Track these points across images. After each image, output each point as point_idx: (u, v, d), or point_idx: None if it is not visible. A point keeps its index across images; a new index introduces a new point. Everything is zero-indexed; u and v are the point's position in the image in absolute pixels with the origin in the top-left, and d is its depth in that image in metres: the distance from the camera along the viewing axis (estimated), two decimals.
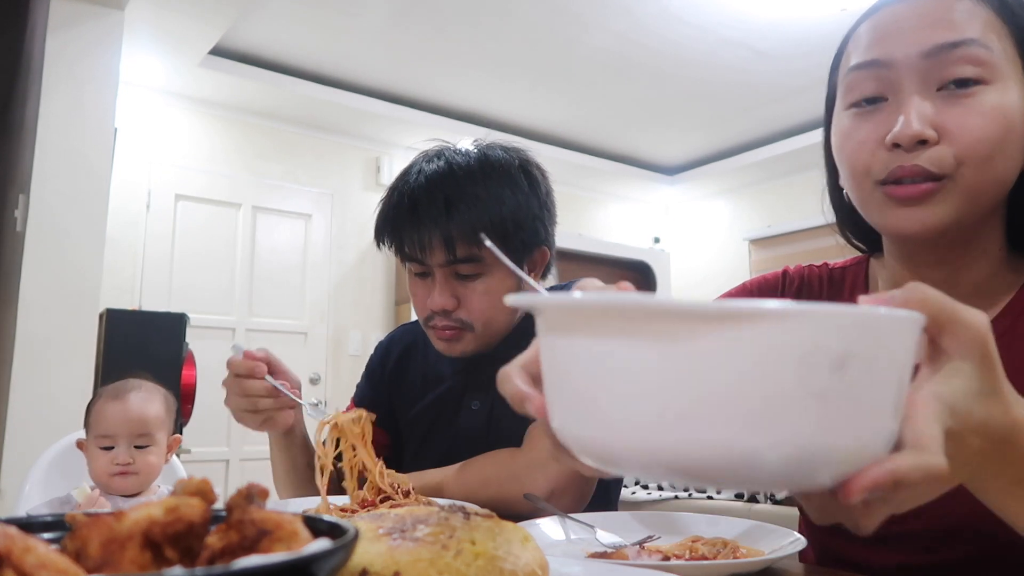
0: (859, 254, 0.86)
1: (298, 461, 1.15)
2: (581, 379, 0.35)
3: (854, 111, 0.70)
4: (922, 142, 0.65)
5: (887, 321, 0.34)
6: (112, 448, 1.30)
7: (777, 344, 0.30)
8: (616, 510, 1.07)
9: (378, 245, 1.14)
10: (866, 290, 0.82)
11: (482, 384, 1.15)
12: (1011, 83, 0.65)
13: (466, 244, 1.05)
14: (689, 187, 5.71)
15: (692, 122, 4.74)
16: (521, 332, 1.19)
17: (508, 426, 1.10)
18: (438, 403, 1.19)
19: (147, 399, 1.35)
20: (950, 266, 0.72)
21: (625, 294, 0.36)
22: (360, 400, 1.29)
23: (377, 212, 1.14)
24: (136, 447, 1.31)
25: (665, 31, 3.63)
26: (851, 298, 0.82)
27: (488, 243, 0.54)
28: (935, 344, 0.43)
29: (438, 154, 1.12)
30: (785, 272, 0.88)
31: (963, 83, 0.64)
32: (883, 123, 0.67)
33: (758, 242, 5.45)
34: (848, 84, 0.71)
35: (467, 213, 1.05)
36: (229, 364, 1.02)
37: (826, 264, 0.87)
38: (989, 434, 0.44)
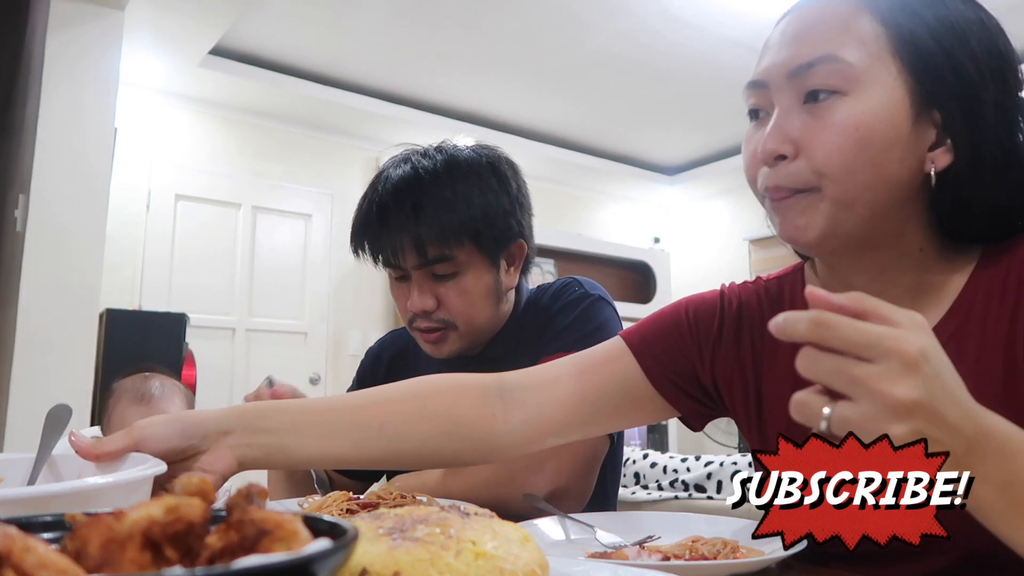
0: (796, 262, 0.86)
1: (296, 473, 1.14)
2: None
3: (750, 124, 0.74)
4: (782, 157, 0.68)
5: None
6: None
7: None
8: (615, 510, 1.07)
9: (356, 254, 1.15)
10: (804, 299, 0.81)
11: None
12: (874, 89, 0.66)
13: (437, 246, 1.07)
14: (689, 187, 5.71)
15: (692, 122, 4.74)
16: (508, 334, 1.17)
17: None
18: None
19: (170, 402, 1.31)
20: (871, 272, 0.73)
21: None
22: None
23: (351, 222, 1.16)
24: None
25: (665, 31, 3.63)
26: (792, 307, 0.79)
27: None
28: None
29: (404, 159, 1.14)
30: (722, 292, 0.86)
31: (819, 96, 0.67)
32: (761, 138, 0.70)
33: (758, 242, 5.45)
34: (744, 97, 0.75)
35: (435, 215, 1.06)
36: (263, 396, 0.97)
37: (759, 278, 0.86)
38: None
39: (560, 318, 1.15)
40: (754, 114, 0.74)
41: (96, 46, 2.77)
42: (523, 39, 3.72)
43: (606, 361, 0.85)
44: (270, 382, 1.01)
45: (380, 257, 1.12)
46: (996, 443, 0.50)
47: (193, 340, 3.29)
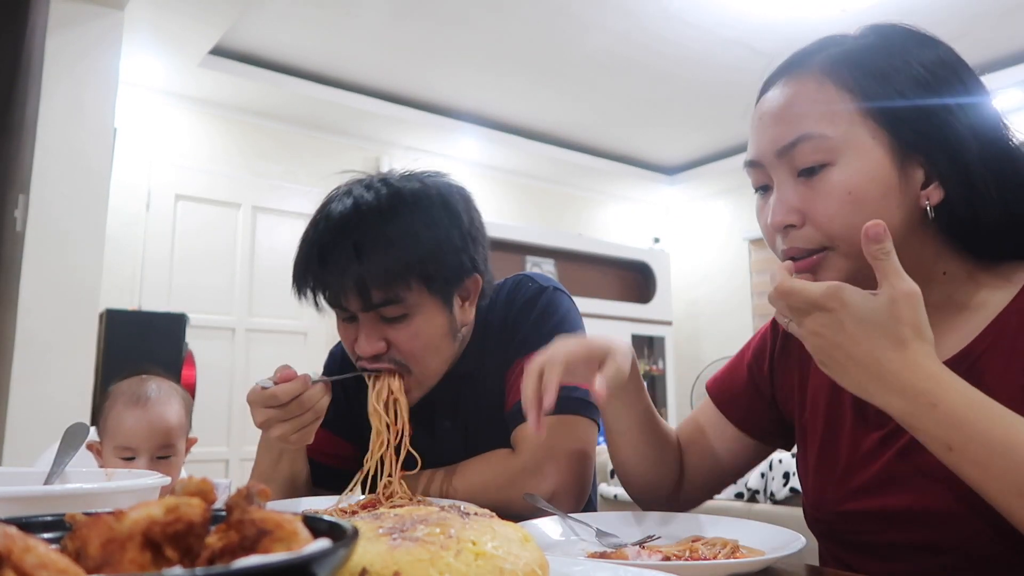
0: None
1: (298, 470, 1.12)
2: None
3: (757, 195, 0.81)
4: (791, 226, 0.75)
5: None
6: (132, 459, 1.25)
7: None
8: (596, 510, 1.06)
9: (299, 297, 1.06)
10: None
11: (448, 403, 1.12)
12: (855, 154, 0.72)
13: (381, 289, 0.98)
14: (689, 187, 5.71)
15: (692, 122, 4.74)
16: (472, 350, 1.13)
17: (485, 439, 1.09)
18: (410, 421, 1.10)
19: (167, 404, 1.28)
20: None
21: None
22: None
23: (293, 262, 1.07)
24: (158, 458, 1.26)
25: (665, 31, 3.63)
26: None
27: None
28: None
29: (347, 192, 1.06)
30: (774, 320, 0.95)
31: (809, 171, 0.73)
32: (770, 210, 0.78)
33: (758, 242, 5.45)
34: (748, 175, 0.81)
35: (377, 256, 0.98)
36: (276, 394, 0.95)
37: None
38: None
39: (522, 319, 1.12)
40: (760, 188, 0.81)
41: (96, 46, 2.77)
42: (523, 39, 3.72)
43: (706, 418, 0.98)
44: (263, 382, 0.98)
45: (324, 301, 1.04)
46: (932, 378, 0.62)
47: (193, 340, 3.29)
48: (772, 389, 0.93)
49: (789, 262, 0.72)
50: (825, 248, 0.74)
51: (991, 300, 0.74)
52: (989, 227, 0.72)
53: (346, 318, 1.05)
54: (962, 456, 0.60)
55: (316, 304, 1.05)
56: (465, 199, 1.10)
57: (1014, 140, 0.73)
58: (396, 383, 1.05)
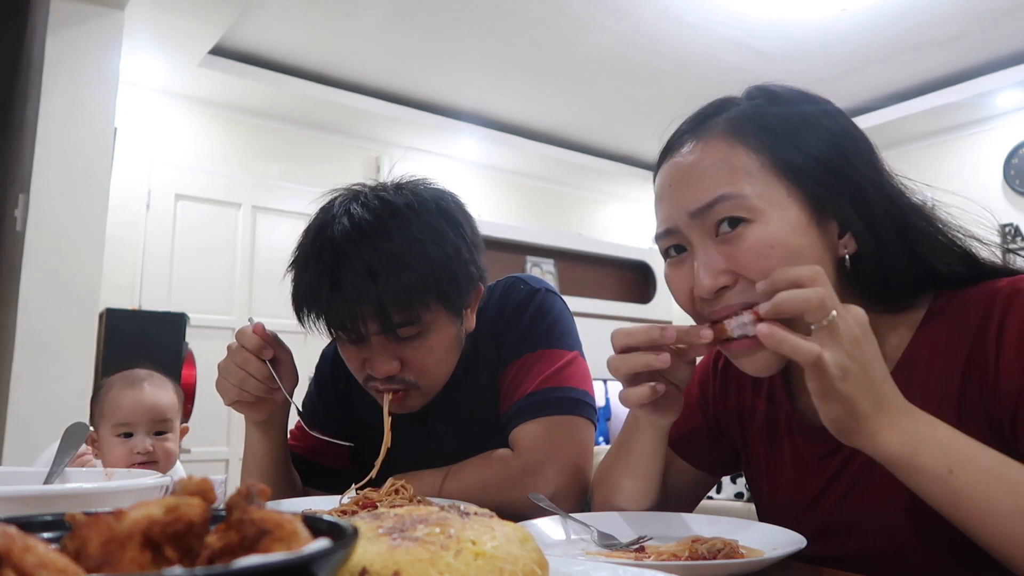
0: None
1: (276, 453, 1.14)
2: None
3: (669, 260, 0.79)
4: (723, 288, 0.73)
5: None
6: (131, 436, 1.30)
7: None
8: (589, 510, 1.07)
9: (300, 320, 1.04)
10: None
11: (441, 406, 1.12)
12: (774, 211, 0.71)
13: (401, 311, 0.96)
14: None
15: None
16: (467, 354, 1.12)
17: (480, 441, 1.09)
18: (403, 426, 1.10)
19: (161, 386, 1.36)
20: None
21: None
22: (312, 412, 1.24)
23: (292, 287, 1.05)
24: (156, 434, 1.31)
25: (665, 31, 3.63)
26: None
27: None
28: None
29: (345, 211, 1.02)
30: (714, 356, 0.97)
31: (731, 222, 0.72)
32: (689, 274, 0.75)
33: None
34: (659, 247, 0.80)
35: (395, 278, 0.95)
36: (238, 333, 1.08)
37: None
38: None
39: (514, 322, 1.12)
40: (668, 253, 0.79)
41: (96, 46, 2.77)
42: (523, 39, 3.72)
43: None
44: (251, 321, 1.10)
45: (336, 326, 1.01)
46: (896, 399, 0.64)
47: (193, 340, 3.29)
48: (717, 423, 0.95)
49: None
50: (756, 304, 0.71)
51: (893, 345, 0.76)
52: (893, 275, 0.75)
53: (353, 340, 1.02)
54: (963, 478, 0.60)
55: (329, 330, 1.02)
56: (459, 205, 1.08)
57: (905, 189, 0.76)
58: (392, 399, 1.05)
